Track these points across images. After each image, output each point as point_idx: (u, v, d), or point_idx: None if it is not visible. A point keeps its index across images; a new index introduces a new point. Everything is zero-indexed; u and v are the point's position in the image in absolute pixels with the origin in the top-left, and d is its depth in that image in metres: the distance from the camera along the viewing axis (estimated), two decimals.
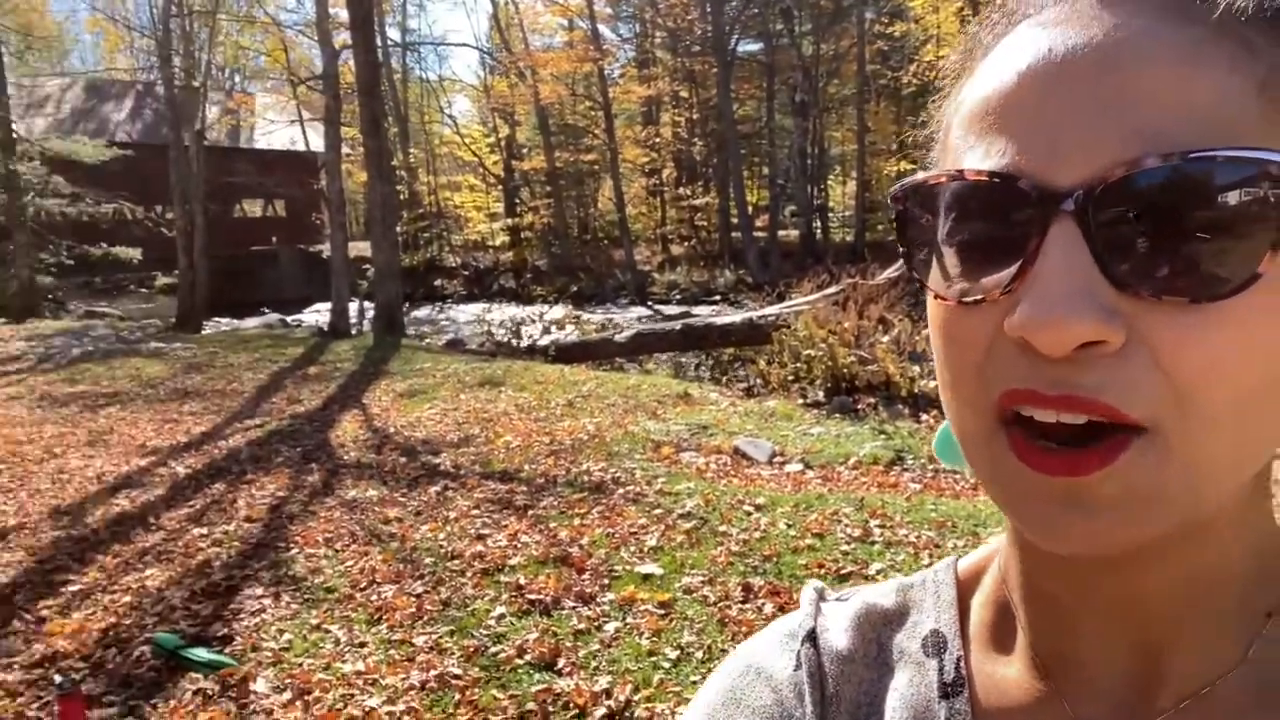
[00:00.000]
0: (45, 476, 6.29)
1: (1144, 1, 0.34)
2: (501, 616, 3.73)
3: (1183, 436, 0.33)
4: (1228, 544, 0.39)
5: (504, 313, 17.61)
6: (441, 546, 4.60)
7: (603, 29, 31.67)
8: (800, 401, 8.42)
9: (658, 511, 4.91)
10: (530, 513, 5.06)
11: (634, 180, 33.54)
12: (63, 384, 10.12)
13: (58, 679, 3.13)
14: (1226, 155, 0.31)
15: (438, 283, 27.82)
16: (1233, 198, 0.31)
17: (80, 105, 29.76)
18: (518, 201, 32.12)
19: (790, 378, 9.20)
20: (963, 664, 0.46)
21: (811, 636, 0.50)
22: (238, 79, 35.37)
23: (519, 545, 4.55)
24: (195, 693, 3.25)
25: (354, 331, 14.89)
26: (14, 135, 18.28)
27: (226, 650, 3.56)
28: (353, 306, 16.14)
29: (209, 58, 23.62)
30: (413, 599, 3.97)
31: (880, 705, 0.47)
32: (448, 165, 36.04)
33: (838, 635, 0.50)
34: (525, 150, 34.46)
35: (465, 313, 21.96)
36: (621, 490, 5.34)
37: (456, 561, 4.38)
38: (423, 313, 22.91)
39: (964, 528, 4.42)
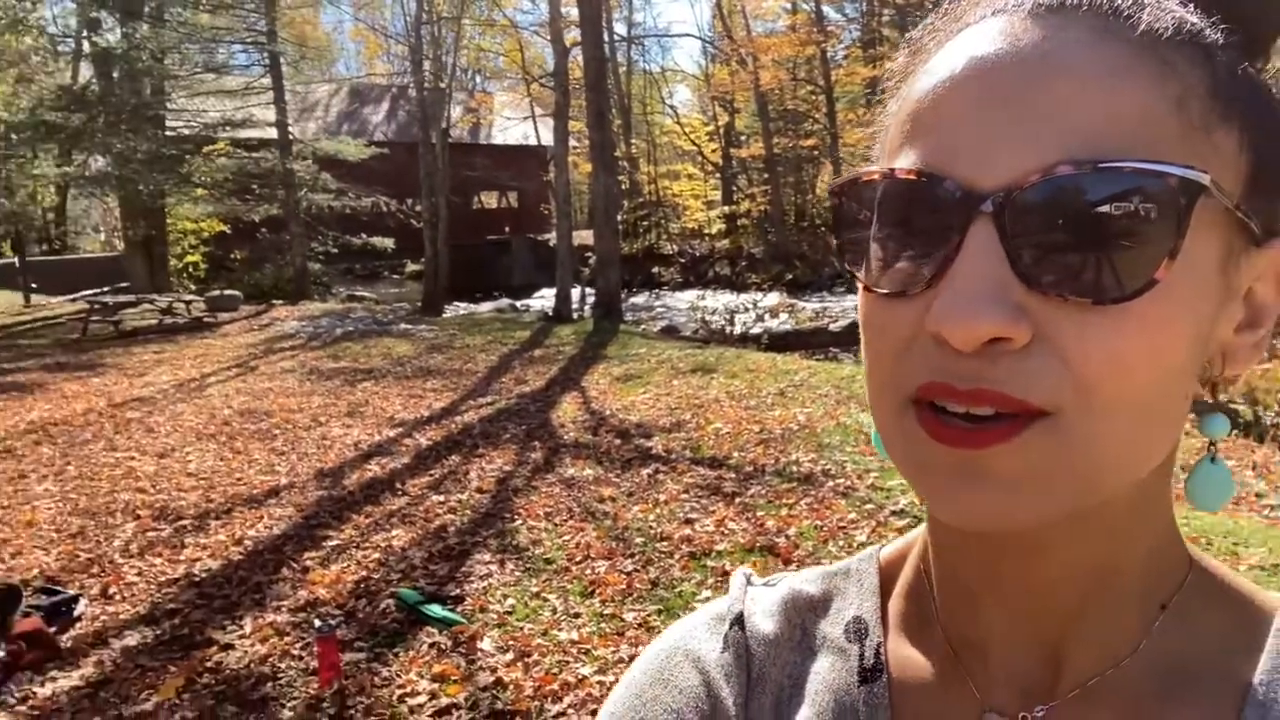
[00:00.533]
0: (312, 442, 7.11)
1: (1073, 18, 0.36)
2: (707, 600, 3.80)
3: (1082, 422, 0.34)
4: (1127, 537, 0.41)
5: (718, 300, 17.75)
6: (651, 527, 4.75)
7: (827, 10, 30.97)
8: None
9: (869, 507, 4.80)
10: (738, 500, 5.11)
11: (855, 165, 32.52)
12: (327, 359, 11.36)
13: (317, 623, 3.55)
14: (1133, 167, 0.33)
15: (655, 270, 28.47)
16: (1135, 207, 0.33)
17: (345, 108, 33.02)
18: (735, 189, 32.18)
19: None
20: (882, 650, 0.48)
21: (739, 620, 0.51)
22: (478, 79, 37.87)
23: (726, 531, 4.61)
24: (431, 645, 3.57)
25: (575, 316, 15.58)
26: (290, 137, 20.64)
27: (458, 609, 3.88)
28: (575, 293, 16.88)
29: (454, 60, 25.49)
30: (623, 576, 4.13)
31: (803, 688, 0.48)
32: (667, 154, 36.73)
33: (764, 620, 0.51)
34: (744, 138, 34.42)
35: (680, 300, 22.35)
36: (831, 483, 5.26)
37: (665, 543, 4.51)
38: (640, 299, 23.56)
39: (1221, 545, 3.98)
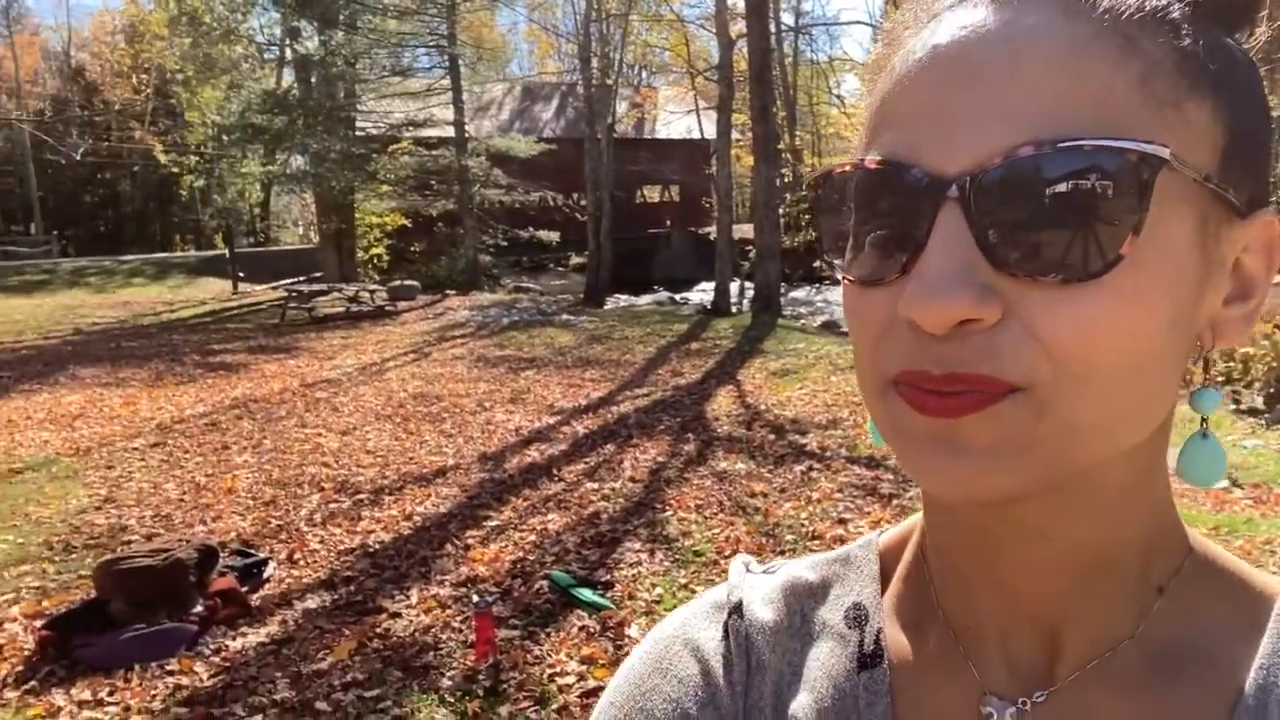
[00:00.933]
0: (477, 426, 7.45)
1: (1037, 1, 0.36)
2: None
3: (1057, 395, 0.35)
4: (1121, 517, 0.41)
5: None
6: (803, 525, 4.67)
7: None
8: (1231, 408, 7.18)
9: None
10: (895, 502, 4.94)
11: None
12: (494, 348, 11.86)
13: (475, 598, 3.72)
14: (1093, 144, 0.33)
15: (816, 264, 27.89)
16: (1096, 184, 0.33)
17: (517, 107, 34.27)
18: None
19: (1220, 379, 7.88)
20: (882, 636, 0.48)
21: (739, 608, 0.51)
22: (644, 74, 38.34)
23: None
24: (580, 628, 3.67)
25: (734, 310, 15.52)
26: (466, 135, 21.65)
27: (608, 594, 3.96)
28: (734, 286, 16.82)
29: (620, 56, 25.91)
30: None
31: (802, 675, 0.48)
32: (833, 146, 35.89)
33: (764, 607, 0.51)
34: None
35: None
36: None
37: (817, 542, 4.42)
38: (800, 293, 23.19)
39: None
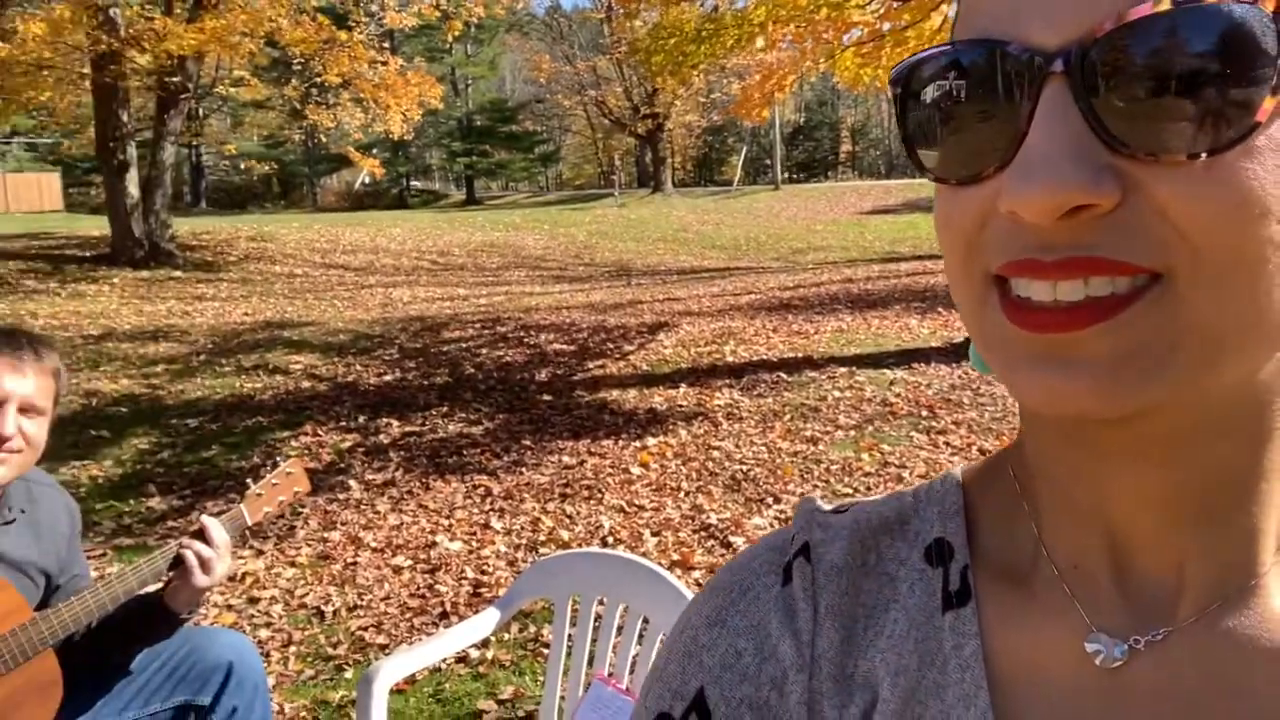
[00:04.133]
0: None
1: None
2: None
3: (1195, 287, 0.31)
4: (1258, 440, 0.36)
5: None
6: None
7: None
8: None
9: None
10: None
11: None
12: None
13: None
14: None
15: None
16: (1225, 43, 0.29)
17: None
18: None
19: None
20: (969, 573, 0.42)
21: (805, 550, 0.46)
22: None
23: None
24: None
25: None
26: None
27: None
28: None
29: None
30: None
31: (879, 618, 0.43)
32: None
33: (832, 548, 0.46)
34: None
35: None
36: None
37: None
38: None
39: None
